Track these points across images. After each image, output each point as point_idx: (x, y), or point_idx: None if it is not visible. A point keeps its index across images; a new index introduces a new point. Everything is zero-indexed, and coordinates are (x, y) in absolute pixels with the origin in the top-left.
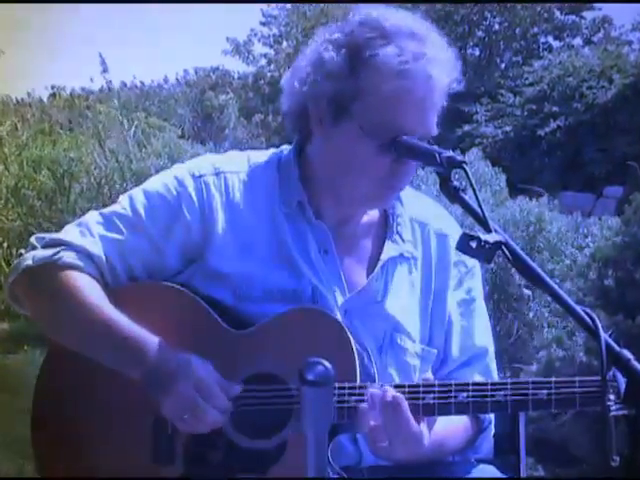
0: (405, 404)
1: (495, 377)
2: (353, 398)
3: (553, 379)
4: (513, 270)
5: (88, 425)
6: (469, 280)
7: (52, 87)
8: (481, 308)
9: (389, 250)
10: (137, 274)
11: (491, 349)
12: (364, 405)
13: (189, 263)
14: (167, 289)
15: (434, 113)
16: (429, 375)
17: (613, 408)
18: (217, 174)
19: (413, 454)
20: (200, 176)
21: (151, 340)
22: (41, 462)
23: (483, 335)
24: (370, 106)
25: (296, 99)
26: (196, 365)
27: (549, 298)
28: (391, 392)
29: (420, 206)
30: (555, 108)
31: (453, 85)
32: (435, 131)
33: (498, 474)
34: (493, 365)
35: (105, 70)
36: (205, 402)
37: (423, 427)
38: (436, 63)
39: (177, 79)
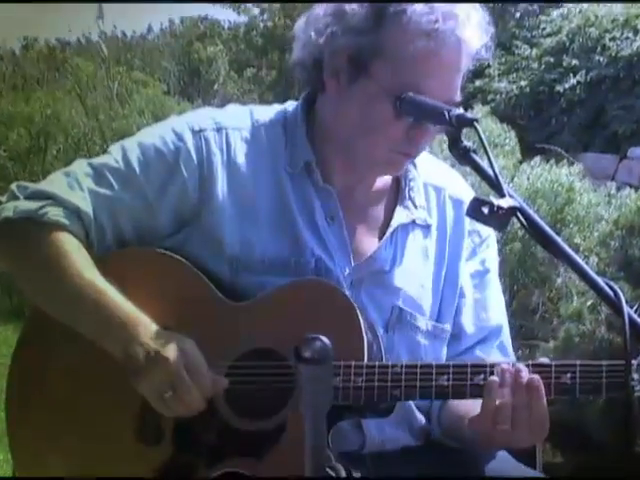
0: (542, 388)
1: (511, 355)
2: (360, 378)
3: (578, 362)
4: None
5: (67, 402)
6: (483, 251)
7: (24, 38)
8: (495, 281)
9: (400, 216)
10: (126, 235)
11: (506, 324)
12: (494, 379)
13: (183, 226)
14: (159, 256)
15: (459, 78)
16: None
17: (638, 388)
18: (218, 130)
19: (532, 441)
20: (200, 131)
21: (139, 315)
22: (16, 443)
23: (498, 309)
24: (392, 66)
25: (310, 50)
26: (188, 343)
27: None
28: (526, 373)
29: (435, 170)
30: (575, 61)
31: (482, 52)
32: (459, 97)
33: (512, 461)
34: (509, 341)
35: (100, 17)
36: (191, 380)
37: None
38: (468, 26)
39: (162, 29)
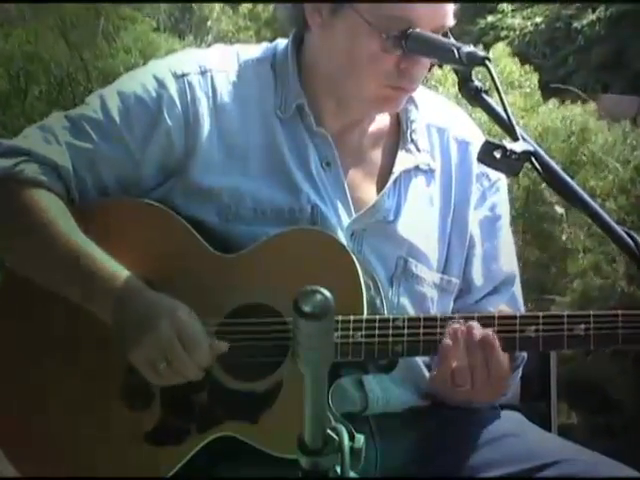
0: (497, 343)
1: (522, 308)
2: (359, 333)
3: (591, 312)
4: (544, 185)
5: (47, 364)
6: (493, 195)
7: None
8: (506, 228)
9: (403, 161)
10: (109, 188)
11: (517, 274)
12: (447, 342)
13: (169, 176)
14: (145, 207)
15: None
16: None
17: None
18: (203, 73)
19: (494, 398)
20: (183, 75)
21: (129, 279)
22: None
23: (509, 259)
24: None
25: None
26: (181, 310)
27: (587, 219)
28: (478, 329)
29: (438, 109)
30: None
31: None
32: (451, 21)
33: (525, 422)
34: (519, 293)
35: None
36: (186, 352)
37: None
38: None
39: None
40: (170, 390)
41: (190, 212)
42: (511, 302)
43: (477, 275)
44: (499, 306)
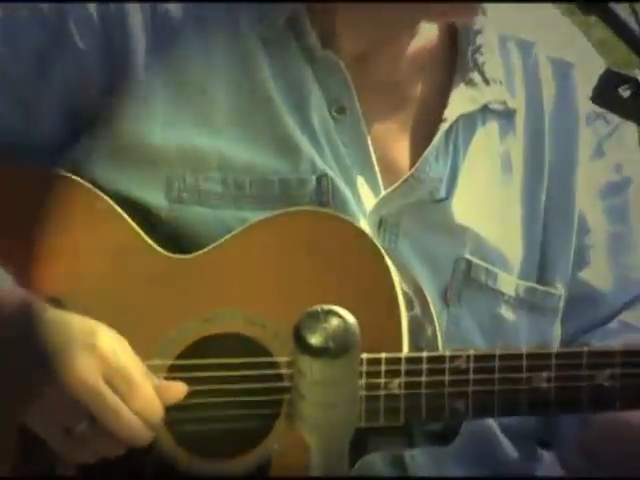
0: None
1: None
2: (396, 381)
3: None
4: None
5: None
6: (615, 148)
7: None
8: None
9: (461, 100)
10: None
11: None
12: None
13: (83, 129)
14: (48, 178)
15: None
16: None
17: None
18: None
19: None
20: None
21: (22, 295)
22: None
23: None
24: None
25: None
26: (105, 335)
27: None
28: None
29: (517, 13)
30: None
31: None
32: None
33: None
34: None
35: None
36: (120, 400)
37: None
38: None
39: None
40: (92, 472)
41: (121, 189)
42: None
43: (601, 276)
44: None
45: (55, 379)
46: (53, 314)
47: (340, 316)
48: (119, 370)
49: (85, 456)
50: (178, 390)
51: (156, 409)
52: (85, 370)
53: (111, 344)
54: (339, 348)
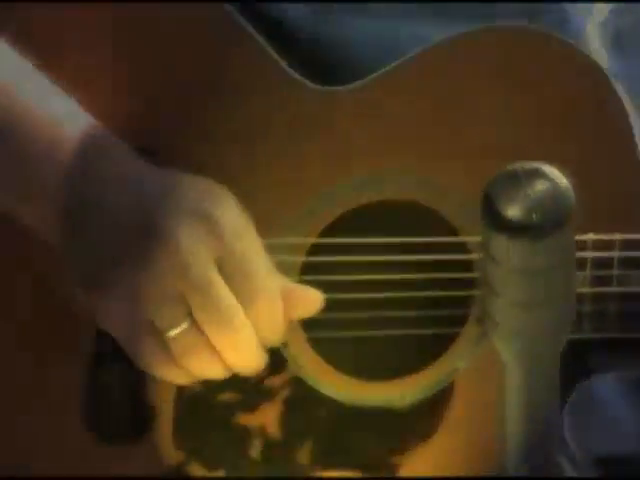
0: None
1: None
2: (636, 274)
3: None
4: None
5: None
6: None
7: None
8: None
9: None
10: None
11: None
12: None
13: None
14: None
15: None
16: None
17: None
18: None
19: None
20: None
21: (97, 132)
22: None
23: None
24: None
25: None
26: (230, 204)
27: None
28: None
29: None
30: None
31: None
32: None
33: None
34: None
35: None
36: (238, 303)
37: None
38: None
39: None
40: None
41: None
42: None
43: None
44: None
45: (150, 257)
46: (150, 169)
47: (549, 179)
48: (240, 261)
49: (172, 374)
50: (315, 299)
51: (279, 325)
52: (194, 249)
53: (234, 219)
54: (548, 223)
